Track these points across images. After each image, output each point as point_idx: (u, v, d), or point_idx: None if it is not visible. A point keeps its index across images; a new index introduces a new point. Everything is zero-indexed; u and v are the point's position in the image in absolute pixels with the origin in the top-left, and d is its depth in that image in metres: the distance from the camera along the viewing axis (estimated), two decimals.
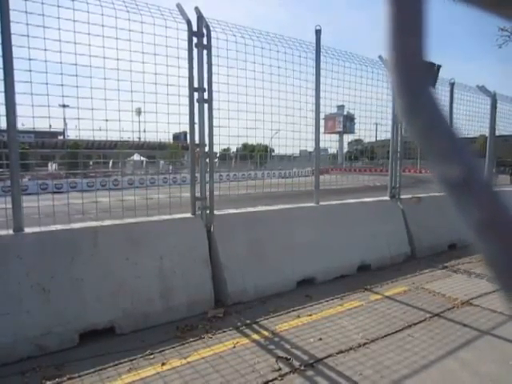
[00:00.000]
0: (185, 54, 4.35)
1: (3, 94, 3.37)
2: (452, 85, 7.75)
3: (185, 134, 5.76)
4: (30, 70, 3.52)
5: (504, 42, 11.54)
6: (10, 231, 3.54)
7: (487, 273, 0.36)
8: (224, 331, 3.81)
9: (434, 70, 6.54)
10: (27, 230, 3.62)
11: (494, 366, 3.20)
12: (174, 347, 3.48)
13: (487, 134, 8.99)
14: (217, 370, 3.09)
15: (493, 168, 9.82)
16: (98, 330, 3.67)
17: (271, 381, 2.96)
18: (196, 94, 4.45)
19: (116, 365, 3.18)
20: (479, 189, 0.35)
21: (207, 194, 4.68)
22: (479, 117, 8.69)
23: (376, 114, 6.59)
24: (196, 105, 4.46)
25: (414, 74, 0.37)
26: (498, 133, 9.09)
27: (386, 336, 3.72)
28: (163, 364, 3.19)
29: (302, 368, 3.14)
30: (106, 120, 4.07)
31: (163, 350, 3.42)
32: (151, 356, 3.33)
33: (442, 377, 3.04)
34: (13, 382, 2.92)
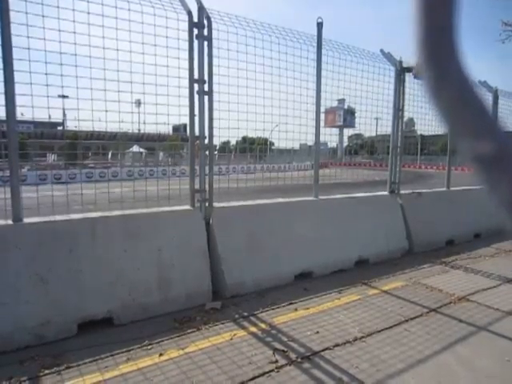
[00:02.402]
0: (185, 45, 4.32)
1: (2, 84, 3.35)
2: None
3: (184, 126, 5.75)
4: (30, 60, 3.50)
5: (507, 37, 11.44)
6: (9, 221, 3.54)
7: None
8: (222, 323, 3.83)
9: None
10: (26, 220, 3.62)
11: (490, 361, 3.23)
12: (171, 338, 3.50)
13: None
14: (214, 362, 3.12)
15: None
16: (97, 321, 3.68)
17: (268, 373, 2.98)
18: (196, 86, 4.42)
19: (114, 355, 3.20)
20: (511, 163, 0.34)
21: (206, 186, 4.67)
22: None
23: (377, 109, 6.57)
24: (196, 97, 4.44)
25: (443, 47, 0.35)
26: None
27: (382, 330, 3.74)
28: (161, 355, 3.21)
29: (299, 360, 3.16)
30: (106, 111, 4.05)
31: (161, 341, 3.44)
32: (149, 347, 3.35)
33: (438, 371, 3.06)
34: (11, 371, 2.94)
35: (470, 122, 0.35)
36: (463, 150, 0.35)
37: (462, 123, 0.36)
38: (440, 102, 0.36)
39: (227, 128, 4.83)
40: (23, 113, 4.16)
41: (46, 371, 2.95)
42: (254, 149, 8.58)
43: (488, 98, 8.70)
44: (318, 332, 3.66)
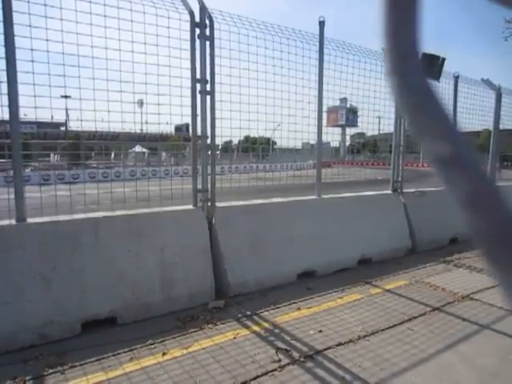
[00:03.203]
0: (187, 45, 4.33)
1: (6, 85, 3.36)
2: (456, 78, 7.69)
3: (187, 125, 5.76)
4: (32, 61, 3.51)
5: (510, 34, 11.40)
6: (13, 221, 3.56)
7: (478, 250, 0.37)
8: (224, 322, 3.83)
9: (438, 63, 6.48)
10: (30, 220, 3.64)
11: (493, 359, 3.22)
12: (174, 337, 3.51)
13: (491, 128, 8.93)
14: (217, 361, 3.12)
15: (496, 162, 9.76)
16: (100, 320, 3.70)
17: (271, 372, 2.98)
18: (198, 86, 4.43)
19: (117, 354, 3.21)
20: (466, 165, 0.37)
21: (209, 186, 4.68)
22: (483, 110, 8.63)
23: (379, 107, 6.56)
24: (198, 96, 4.44)
25: (405, 57, 0.39)
26: (502, 127, 9.03)
27: (385, 329, 3.74)
28: (164, 354, 3.22)
29: (302, 359, 3.17)
30: (108, 111, 4.06)
31: (164, 340, 3.45)
32: (152, 346, 3.36)
33: (441, 370, 3.06)
34: (15, 370, 2.96)
35: (430, 126, 0.39)
36: (425, 151, 0.39)
37: (423, 127, 0.39)
38: (404, 107, 0.40)
39: (229, 128, 4.84)
40: (26, 113, 4.18)
41: (50, 370, 2.97)
42: (256, 148, 8.58)
43: (491, 96, 8.67)
44: (320, 331, 3.67)
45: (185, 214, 4.54)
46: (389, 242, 6.29)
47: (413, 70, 0.39)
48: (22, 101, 3.48)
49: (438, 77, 6.54)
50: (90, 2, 3.76)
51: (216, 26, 4.46)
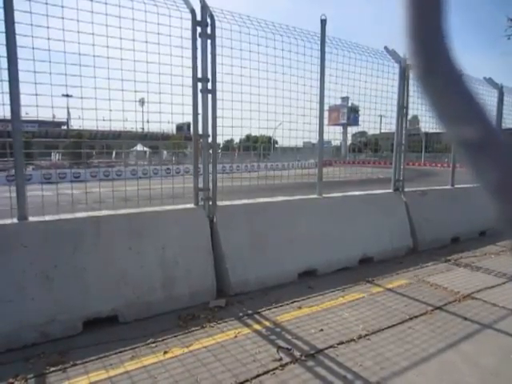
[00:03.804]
0: (189, 43, 4.32)
1: (7, 84, 3.37)
2: None
3: (188, 124, 5.76)
4: (34, 60, 3.51)
5: None
6: (15, 220, 3.57)
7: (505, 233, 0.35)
8: (226, 321, 3.84)
9: None
10: (31, 218, 3.64)
11: (494, 359, 3.22)
12: (176, 336, 3.52)
13: None
14: (218, 359, 3.12)
15: None
16: (102, 319, 3.70)
17: (272, 370, 2.98)
18: (200, 85, 4.42)
19: (119, 352, 3.22)
20: (497, 149, 0.35)
21: (210, 184, 4.68)
22: None
23: (381, 106, 6.55)
24: (199, 95, 4.44)
25: (431, 35, 0.37)
26: (503, 126, 9.00)
27: (386, 328, 3.73)
28: (165, 352, 3.23)
29: (303, 358, 3.17)
30: (110, 110, 4.06)
31: (165, 339, 3.46)
32: (153, 344, 3.36)
33: (442, 369, 3.06)
34: (17, 368, 2.96)
35: (457, 109, 0.36)
36: (451, 136, 0.36)
37: (450, 110, 0.36)
38: (428, 89, 0.37)
39: (230, 126, 4.84)
40: (28, 112, 4.18)
41: (52, 368, 2.97)
42: (257, 147, 8.57)
43: (493, 95, 8.64)
44: (322, 330, 3.67)
45: (186, 213, 4.54)
46: (390, 241, 6.29)
47: (440, 52, 0.36)
48: (24, 99, 3.49)
49: None
50: (92, 0, 3.76)
51: (217, 24, 4.45)
